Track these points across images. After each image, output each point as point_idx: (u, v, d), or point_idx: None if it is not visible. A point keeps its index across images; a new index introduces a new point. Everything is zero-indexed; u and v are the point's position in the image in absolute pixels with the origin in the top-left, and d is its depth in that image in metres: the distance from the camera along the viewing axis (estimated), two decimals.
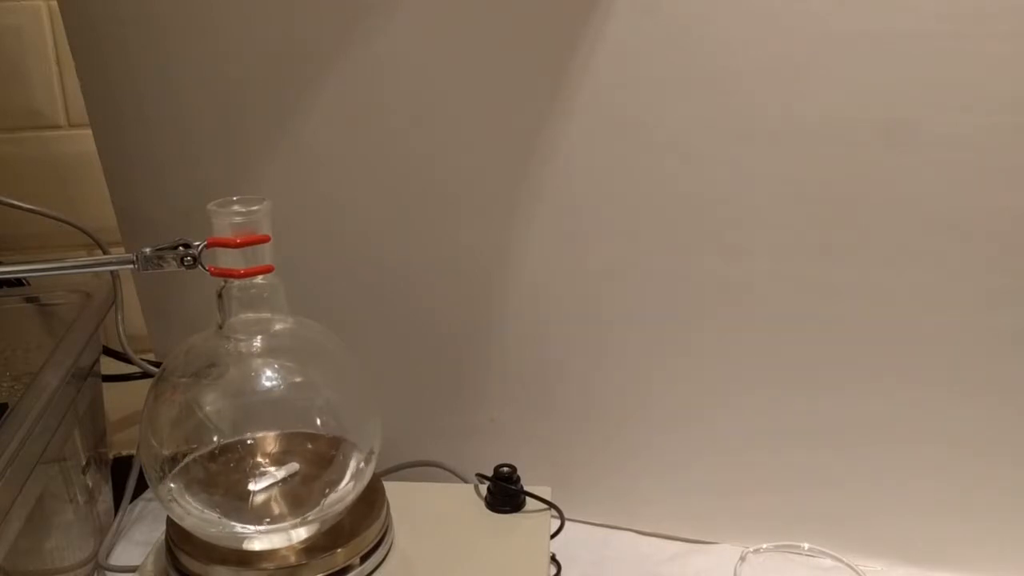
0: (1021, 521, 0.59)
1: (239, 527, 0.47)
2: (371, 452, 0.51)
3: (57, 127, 0.79)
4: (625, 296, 0.61)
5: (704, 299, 0.60)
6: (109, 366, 0.72)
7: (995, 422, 0.57)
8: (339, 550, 0.48)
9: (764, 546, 0.54)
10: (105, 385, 0.70)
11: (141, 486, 0.70)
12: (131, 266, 0.49)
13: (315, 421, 0.51)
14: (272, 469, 0.51)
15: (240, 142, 0.62)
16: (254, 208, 0.46)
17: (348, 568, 0.48)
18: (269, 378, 0.49)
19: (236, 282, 0.47)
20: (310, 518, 0.48)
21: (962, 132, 0.52)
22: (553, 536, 0.56)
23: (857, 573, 0.53)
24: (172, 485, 0.48)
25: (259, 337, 0.49)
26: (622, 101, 0.56)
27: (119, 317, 0.68)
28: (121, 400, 0.78)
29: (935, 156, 0.53)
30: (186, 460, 0.49)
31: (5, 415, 0.51)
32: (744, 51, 0.53)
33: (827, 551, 0.54)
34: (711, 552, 0.65)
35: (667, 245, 0.59)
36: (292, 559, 0.47)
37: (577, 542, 0.65)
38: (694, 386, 0.62)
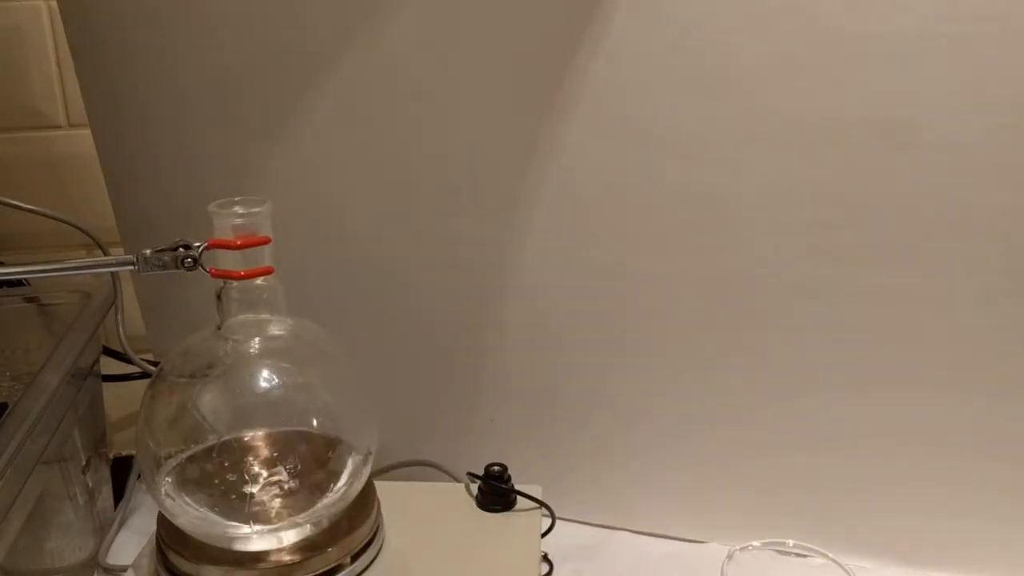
0: (1014, 521, 0.59)
1: (235, 527, 0.47)
2: (368, 453, 0.51)
3: (57, 127, 0.79)
4: (624, 297, 0.61)
5: (700, 299, 0.59)
6: (109, 366, 0.72)
7: (994, 422, 0.57)
8: (330, 549, 0.48)
9: (753, 544, 0.54)
10: (105, 385, 0.71)
11: None
12: (131, 267, 0.49)
13: (312, 422, 0.51)
14: (269, 470, 0.51)
15: (240, 142, 0.62)
16: (255, 209, 0.46)
17: (339, 567, 0.48)
18: (266, 379, 0.49)
19: (236, 283, 0.47)
20: (306, 519, 0.48)
21: (962, 132, 0.52)
22: (545, 535, 0.55)
23: (847, 572, 0.52)
24: (168, 484, 0.48)
25: (257, 338, 0.49)
26: (622, 101, 0.56)
27: (119, 317, 0.68)
28: (121, 400, 0.78)
29: (935, 156, 0.53)
30: (182, 460, 0.49)
31: (5, 415, 0.51)
32: (744, 51, 0.53)
33: (817, 548, 0.54)
34: (703, 551, 0.65)
35: (666, 245, 0.59)
36: (283, 558, 0.47)
37: (569, 541, 0.65)
38: (689, 387, 0.62)
